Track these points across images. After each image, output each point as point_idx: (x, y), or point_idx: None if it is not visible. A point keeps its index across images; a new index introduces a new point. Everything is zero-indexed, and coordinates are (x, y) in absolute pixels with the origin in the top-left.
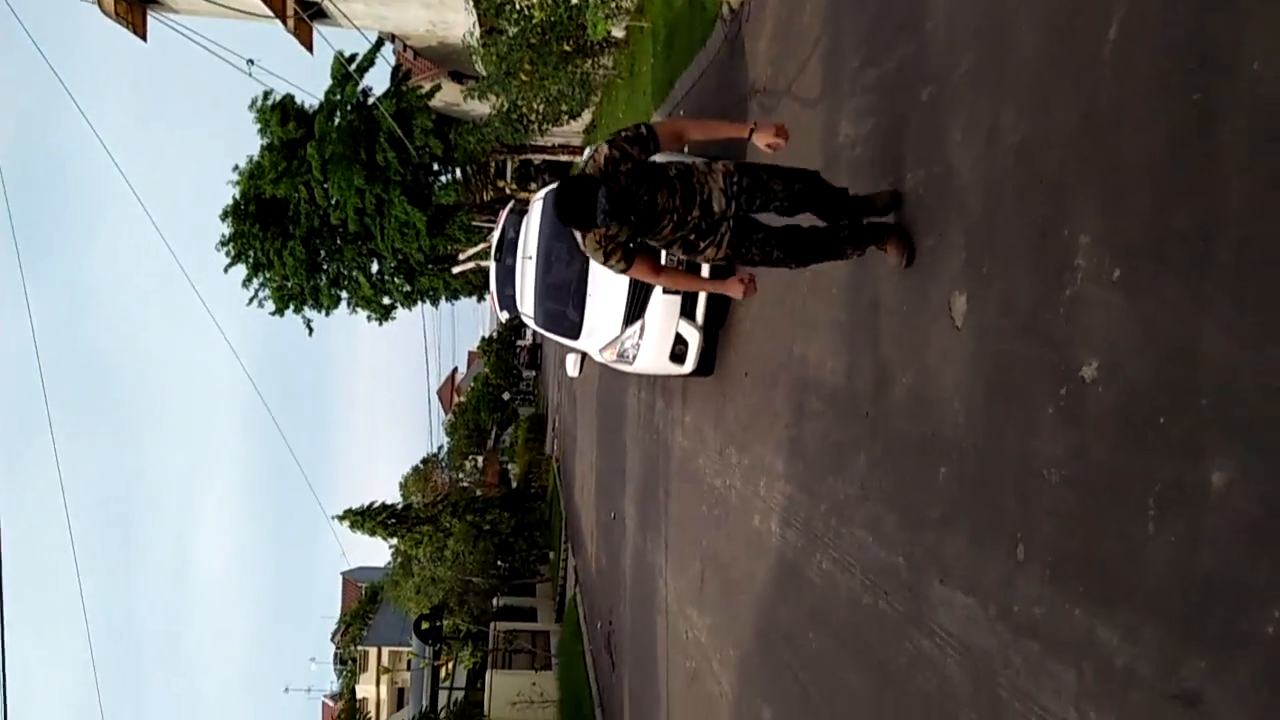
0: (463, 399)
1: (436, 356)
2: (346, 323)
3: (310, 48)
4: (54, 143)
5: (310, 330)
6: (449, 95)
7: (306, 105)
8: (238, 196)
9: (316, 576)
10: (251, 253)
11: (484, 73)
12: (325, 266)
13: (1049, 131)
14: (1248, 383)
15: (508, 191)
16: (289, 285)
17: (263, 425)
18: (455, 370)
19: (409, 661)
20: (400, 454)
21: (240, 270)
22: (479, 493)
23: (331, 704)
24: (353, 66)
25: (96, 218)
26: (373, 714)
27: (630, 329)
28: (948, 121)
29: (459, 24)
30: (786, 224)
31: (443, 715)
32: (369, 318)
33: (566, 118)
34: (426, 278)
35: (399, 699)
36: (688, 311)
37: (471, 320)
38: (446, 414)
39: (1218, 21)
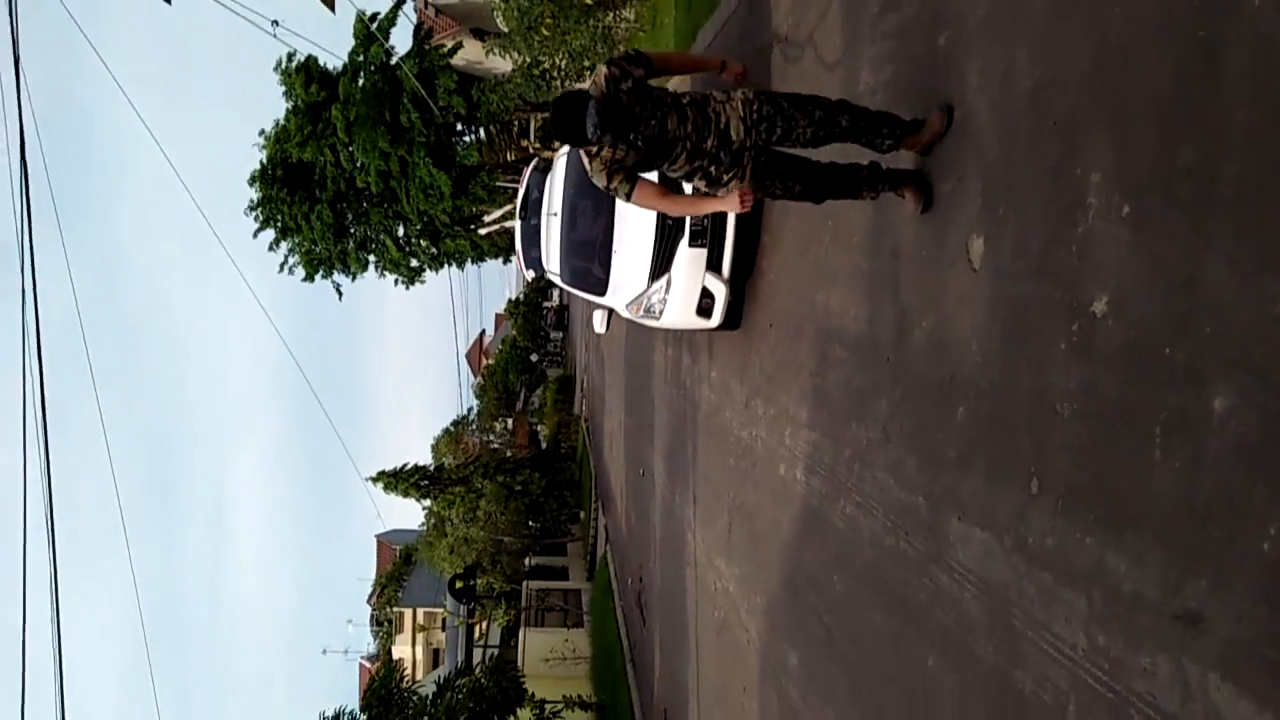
0: (491, 361)
1: (464, 319)
2: (375, 288)
3: (333, 7)
4: (81, 104)
5: (340, 295)
6: (471, 53)
7: (330, 67)
8: (264, 161)
9: (351, 540)
10: (280, 217)
11: (505, 28)
12: (352, 230)
13: (1061, 72)
14: (1246, 311)
15: (531, 151)
16: (317, 250)
17: (296, 390)
18: (483, 333)
19: (443, 621)
20: (431, 417)
21: (269, 235)
22: (509, 454)
23: (369, 665)
24: (374, 25)
25: (125, 181)
26: (409, 673)
27: (656, 284)
28: (964, 66)
29: None
30: (806, 157)
31: (478, 671)
32: (396, 281)
33: (589, 73)
34: (452, 240)
35: (434, 659)
36: (714, 265)
37: (498, 283)
38: (475, 377)
39: None
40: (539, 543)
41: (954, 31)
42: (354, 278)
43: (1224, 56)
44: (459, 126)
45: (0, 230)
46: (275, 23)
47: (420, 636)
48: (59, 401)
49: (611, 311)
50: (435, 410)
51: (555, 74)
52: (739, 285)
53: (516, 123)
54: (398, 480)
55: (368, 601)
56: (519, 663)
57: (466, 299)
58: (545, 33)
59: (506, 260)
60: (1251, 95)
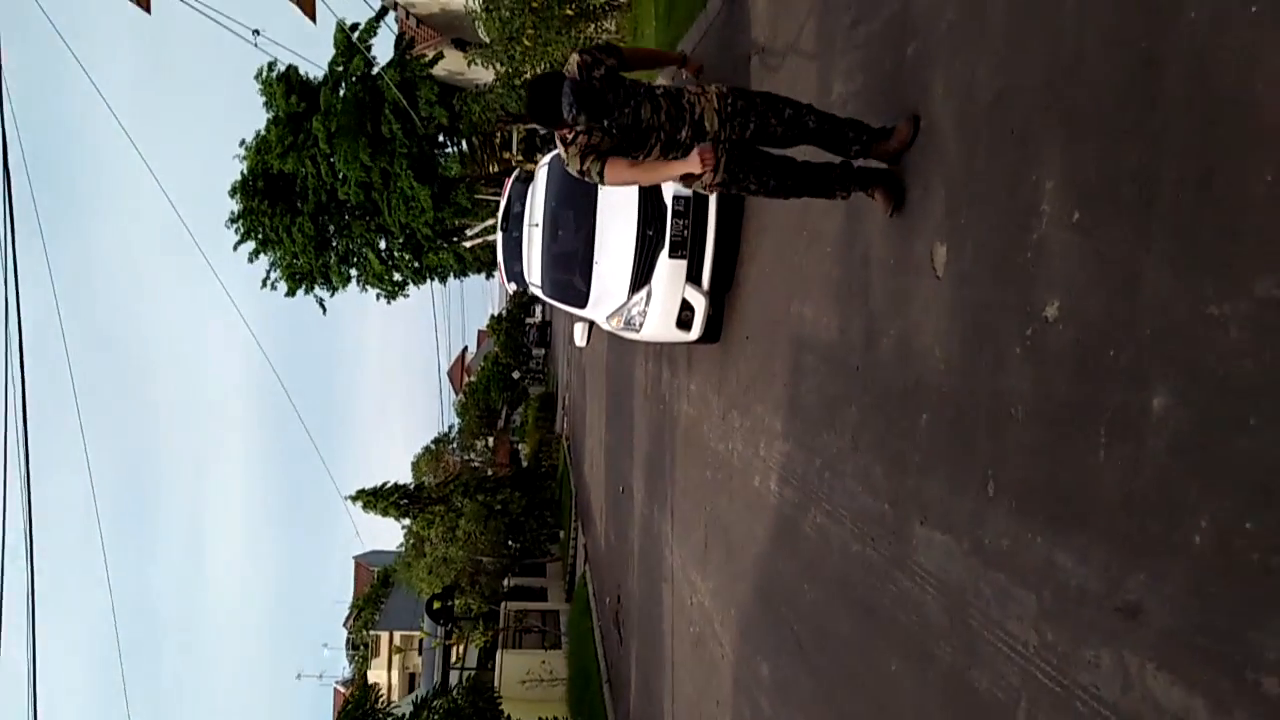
0: (473, 379)
1: (446, 336)
2: (356, 303)
3: (313, 16)
4: (57, 112)
5: (324, 309)
6: (452, 64)
7: (311, 76)
8: (245, 172)
9: (329, 561)
10: (261, 229)
11: (487, 39)
12: (334, 243)
13: (1018, 84)
14: (1182, 311)
15: (513, 163)
16: (298, 263)
17: (274, 406)
18: (465, 350)
19: (420, 644)
20: (412, 434)
21: (250, 247)
22: (490, 472)
23: (344, 690)
24: (355, 35)
25: (103, 192)
26: (385, 696)
27: (636, 296)
28: (930, 76)
29: None
30: (781, 154)
31: (455, 692)
32: (378, 295)
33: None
34: (435, 253)
35: (410, 683)
36: (693, 277)
37: (480, 299)
38: (457, 394)
39: None
40: (518, 563)
41: (920, 44)
42: (335, 292)
43: (1163, 67)
44: (441, 138)
45: None
46: (256, 32)
47: (397, 660)
48: (34, 414)
49: (592, 324)
50: (416, 428)
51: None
52: (719, 298)
53: (499, 134)
54: (377, 499)
55: (344, 624)
56: (496, 685)
57: (449, 315)
58: (527, 43)
59: (489, 276)
60: (1187, 104)
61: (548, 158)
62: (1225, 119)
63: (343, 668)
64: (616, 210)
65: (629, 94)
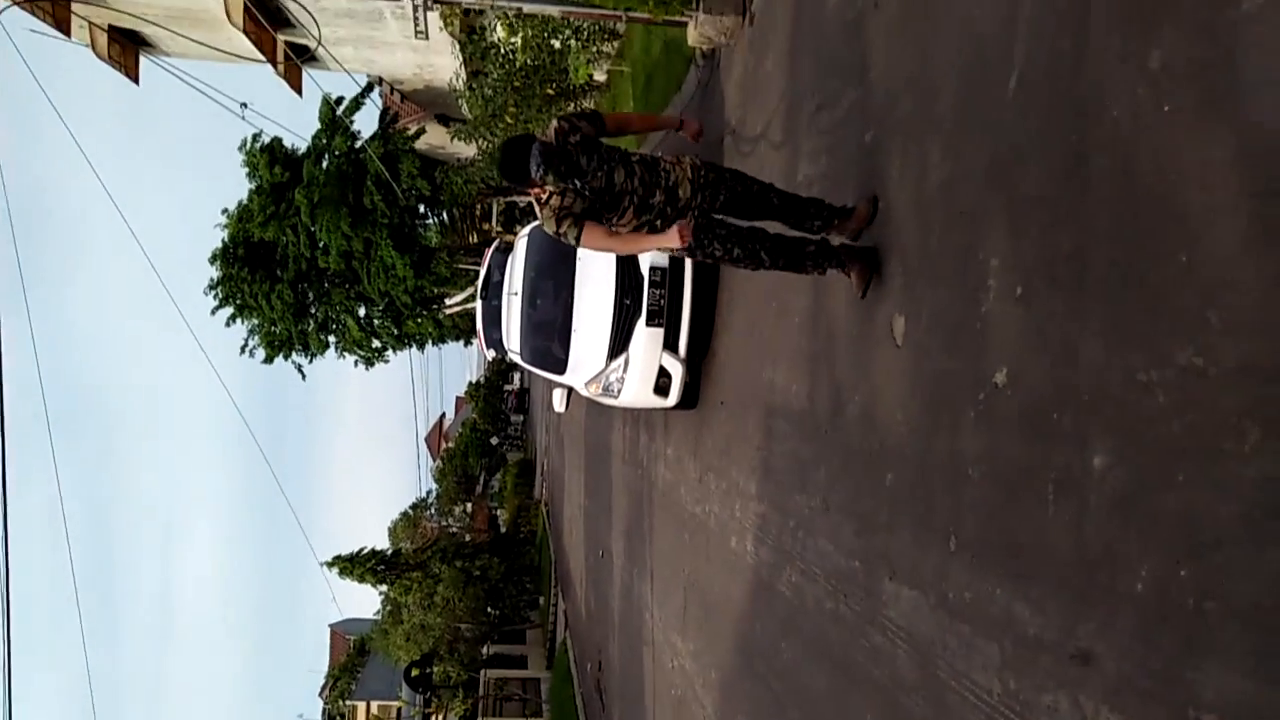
0: (451, 445)
1: (424, 401)
2: (334, 370)
3: (300, 90)
4: (37, 174)
5: (303, 375)
6: (435, 138)
7: (294, 147)
8: (226, 240)
9: (304, 629)
10: (239, 295)
11: (470, 115)
12: (314, 310)
13: (966, 168)
14: (1116, 379)
15: (493, 234)
16: (277, 330)
17: (247, 472)
18: (443, 416)
19: (398, 713)
20: (389, 500)
21: (227, 312)
22: (468, 538)
23: None
24: (341, 109)
25: (83, 253)
26: None
27: (615, 363)
28: (886, 160)
29: (445, 67)
30: (751, 226)
31: None
32: (356, 362)
33: None
34: (414, 321)
35: None
36: (671, 345)
37: (458, 366)
38: (434, 460)
39: (1086, 78)
40: (498, 630)
41: (877, 131)
42: (314, 359)
43: (1091, 160)
44: (422, 208)
45: None
46: (244, 105)
47: None
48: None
49: (571, 390)
50: (393, 493)
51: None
52: (695, 365)
53: (479, 206)
54: (354, 565)
55: (320, 694)
56: None
57: (427, 381)
58: (509, 120)
59: (467, 343)
60: (1113, 193)
61: (527, 228)
62: (1145, 207)
63: None
64: (594, 279)
65: (603, 159)
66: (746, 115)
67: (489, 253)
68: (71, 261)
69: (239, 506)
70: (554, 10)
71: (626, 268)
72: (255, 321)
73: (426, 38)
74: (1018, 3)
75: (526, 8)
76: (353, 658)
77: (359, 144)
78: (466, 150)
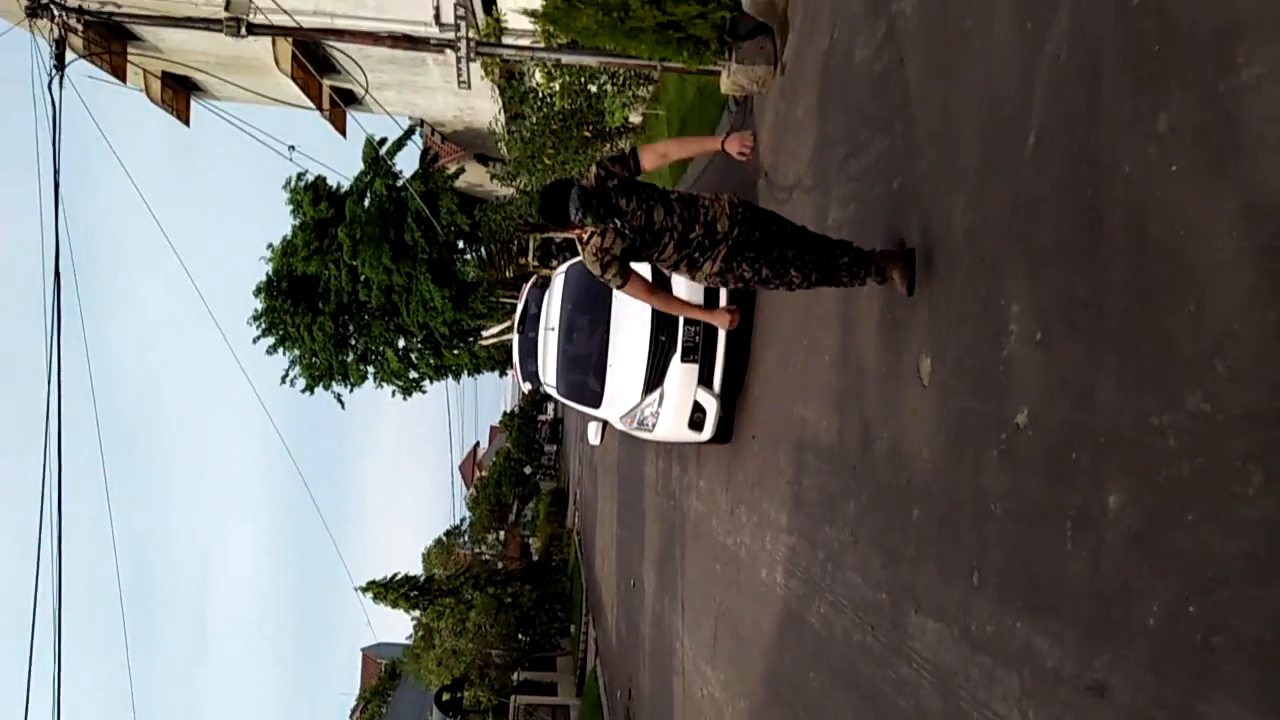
0: (484, 473)
1: (459, 430)
2: (370, 398)
3: (344, 132)
4: (91, 211)
5: (342, 405)
6: (474, 176)
7: (338, 185)
8: (270, 273)
9: (336, 652)
10: (281, 327)
11: (508, 156)
12: (353, 342)
13: (989, 217)
14: (1130, 421)
15: (530, 268)
16: (318, 361)
17: (285, 498)
18: (477, 445)
19: None
20: (423, 526)
21: (269, 342)
22: (501, 566)
23: None
24: (383, 150)
25: (133, 286)
26: None
27: (650, 397)
28: (911, 208)
29: (485, 109)
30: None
31: None
32: (394, 392)
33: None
34: (451, 352)
35: None
36: (705, 380)
37: (493, 395)
38: (468, 488)
39: (1099, 137)
40: (528, 656)
41: (904, 179)
42: (353, 389)
43: (1106, 213)
44: (460, 244)
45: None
46: (291, 148)
47: None
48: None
49: (606, 424)
50: (427, 520)
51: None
52: (730, 400)
53: (516, 242)
54: (388, 591)
55: (350, 718)
56: None
57: (462, 410)
58: (546, 161)
59: (503, 373)
60: (1125, 245)
61: (564, 266)
62: (1156, 259)
63: None
64: (630, 316)
65: (642, 199)
66: (778, 161)
67: (526, 287)
68: (121, 294)
69: (276, 531)
70: (591, 61)
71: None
72: (297, 352)
73: (469, 87)
74: (1034, 66)
75: (565, 59)
76: (384, 681)
77: (400, 183)
78: (505, 190)
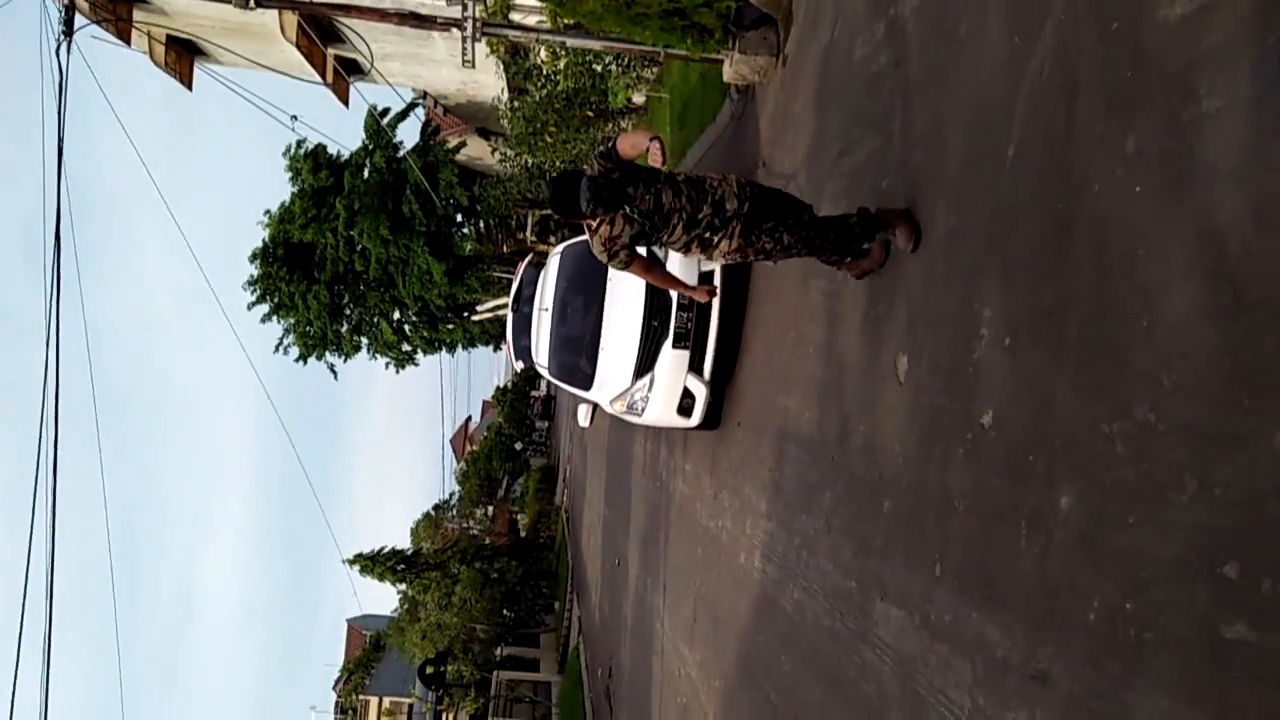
0: (475, 448)
1: (451, 404)
2: (362, 370)
3: (346, 102)
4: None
5: (335, 375)
6: (475, 150)
7: (338, 153)
8: (267, 239)
9: (322, 623)
10: (276, 294)
11: (510, 133)
12: (348, 312)
13: (968, 224)
14: (1083, 427)
15: (528, 244)
16: (312, 330)
17: (275, 468)
18: (469, 419)
19: (410, 709)
20: (412, 499)
21: (263, 309)
22: (488, 541)
23: None
24: (385, 121)
25: (130, 244)
26: None
27: (640, 382)
28: (898, 208)
29: (488, 84)
30: (795, 211)
31: None
32: (388, 364)
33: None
34: (445, 325)
35: None
36: (696, 367)
37: (486, 369)
38: (459, 462)
39: (1073, 153)
40: (512, 632)
41: (892, 179)
42: (347, 359)
43: (1074, 226)
44: (459, 218)
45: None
46: (294, 118)
47: None
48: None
49: (596, 406)
50: (416, 493)
51: (555, 175)
52: (719, 387)
53: (514, 217)
54: (375, 563)
55: (334, 688)
56: None
57: (455, 384)
58: (548, 139)
59: (496, 348)
60: (1090, 259)
61: (561, 246)
62: (1115, 274)
63: None
64: (624, 300)
65: (649, 183)
66: (775, 153)
67: (522, 265)
68: (116, 258)
69: (264, 502)
70: (596, 45)
71: (656, 290)
72: (291, 320)
73: (474, 67)
74: (1020, 79)
75: (570, 42)
76: (368, 653)
77: (400, 154)
78: (507, 168)
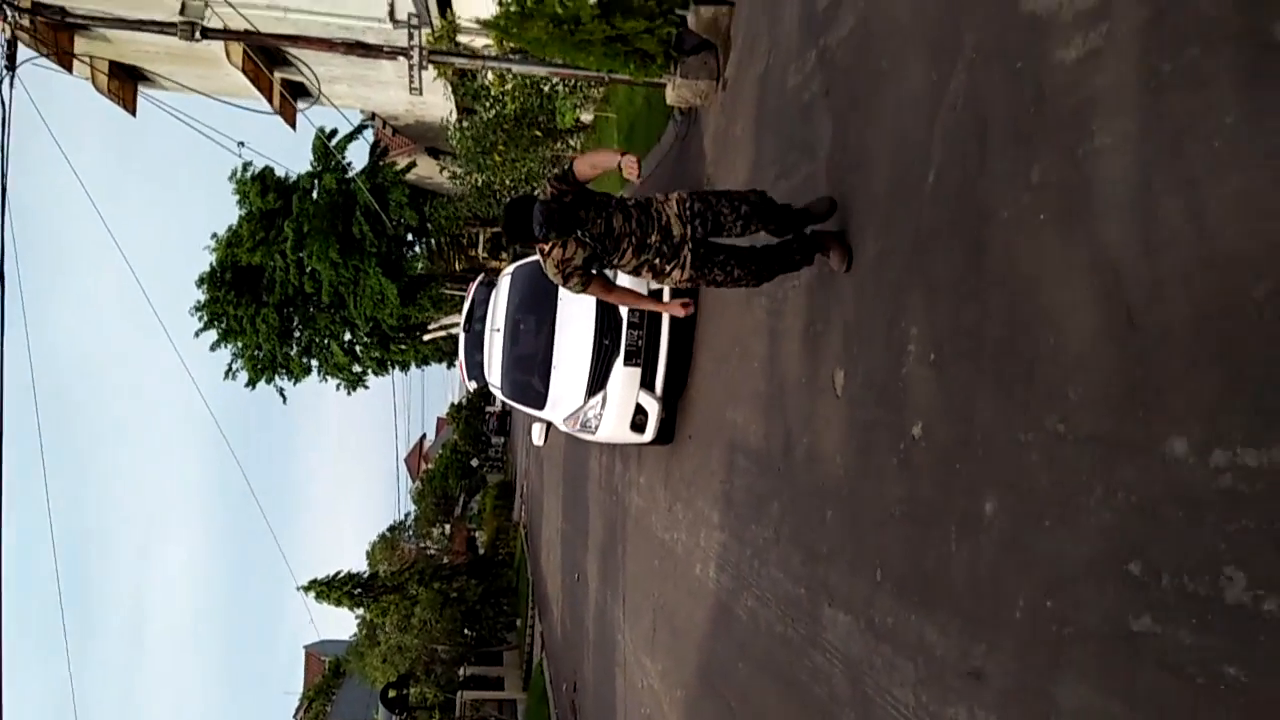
0: (430, 466)
1: (405, 423)
2: (313, 389)
3: (294, 125)
4: (31, 201)
5: (284, 399)
6: (425, 169)
7: (287, 175)
8: (214, 263)
9: (279, 650)
10: (224, 319)
11: (459, 152)
12: (298, 334)
13: (894, 244)
14: (1002, 437)
15: (480, 261)
16: (260, 354)
17: (226, 494)
18: (424, 437)
19: None
20: (367, 521)
21: (211, 335)
22: (446, 560)
23: None
24: (333, 143)
25: (72, 275)
26: None
27: (593, 400)
28: (833, 227)
29: (437, 105)
30: (746, 245)
31: None
32: (338, 386)
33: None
34: (398, 346)
35: None
36: (648, 383)
37: (440, 386)
38: (414, 481)
39: (986, 181)
40: (474, 651)
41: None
42: (296, 382)
43: (988, 249)
44: (409, 237)
45: None
46: (241, 144)
47: None
48: None
49: (550, 425)
50: (372, 515)
51: (505, 194)
52: (672, 402)
53: (465, 235)
54: (330, 589)
55: (294, 717)
56: None
57: (408, 402)
58: (497, 158)
59: (449, 365)
60: (1002, 280)
61: (511, 267)
62: (1024, 295)
63: None
64: (575, 320)
65: (600, 207)
66: (719, 171)
67: (474, 285)
68: (63, 286)
69: (216, 530)
70: (541, 71)
71: (606, 309)
72: (240, 345)
73: (421, 94)
74: (937, 112)
75: (516, 68)
76: (328, 679)
77: (349, 175)
78: (457, 187)
